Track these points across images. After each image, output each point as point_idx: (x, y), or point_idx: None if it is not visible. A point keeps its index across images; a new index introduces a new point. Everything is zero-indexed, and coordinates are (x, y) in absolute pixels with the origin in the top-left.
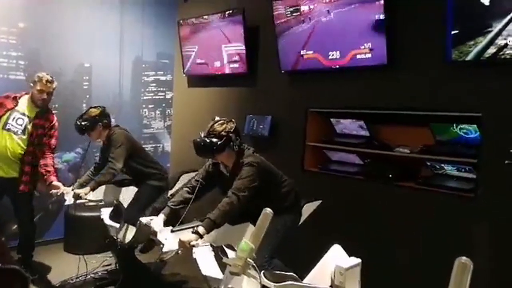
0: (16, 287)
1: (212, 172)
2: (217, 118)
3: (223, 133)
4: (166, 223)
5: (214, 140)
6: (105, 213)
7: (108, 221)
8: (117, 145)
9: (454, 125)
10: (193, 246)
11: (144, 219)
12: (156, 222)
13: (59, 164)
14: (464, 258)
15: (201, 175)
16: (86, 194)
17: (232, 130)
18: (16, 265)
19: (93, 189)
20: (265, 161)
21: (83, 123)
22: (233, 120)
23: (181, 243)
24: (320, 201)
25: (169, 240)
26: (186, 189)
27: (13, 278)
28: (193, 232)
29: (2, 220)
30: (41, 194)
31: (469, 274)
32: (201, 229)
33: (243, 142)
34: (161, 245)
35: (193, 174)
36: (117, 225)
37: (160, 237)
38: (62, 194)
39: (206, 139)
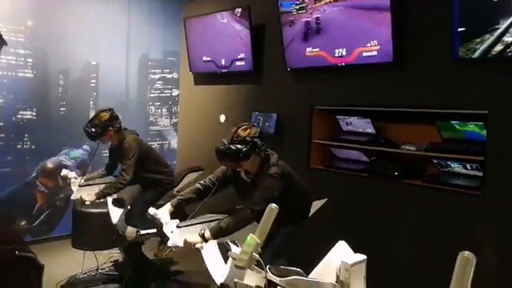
0: (31, 274)
1: (230, 176)
2: (232, 123)
3: (247, 138)
4: (173, 215)
5: (239, 146)
6: (109, 201)
7: (113, 217)
8: (129, 156)
9: (460, 125)
10: (198, 249)
11: (151, 210)
12: (163, 211)
13: (67, 161)
14: (467, 252)
15: (217, 176)
16: (91, 202)
17: (257, 135)
18: (31, 253)
19: (98, 199)
20: (287, 169)
21: (93, 129)
22: (255, 124)
23: (187, 243)
24: (325, 199)
25: (175, 234)
26: (199, 186)
27: (28, 266)
28: (199, 235)
29: (13, 215)
30: (49, 191)
31: (472, 268)
32: (207, 234)
33: (267, 148)
34: (166, 238)
35: (199, 173)
36: (119, 212)
37: (165, 229)
38: (70, 180)
39: (231, 146)
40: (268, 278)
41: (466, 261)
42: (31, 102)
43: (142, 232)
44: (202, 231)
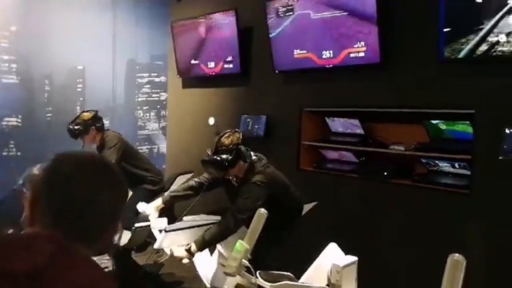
0: None
1: (221, 177)
2: (222, 126)
3: (231, 146)
4: (162, 213)
5: (224, 156)
6: None
7: None
8: (110, 146)
9: (447, 125)
10: (184, 263)
11: (140, 206)
12: (152, 208)
13: None
14: (457, 255)
15: (210, 175)
16: None
17: (240, 142)
18: None
19: None
20: (275, 176)
21: (76, 127)
22: (237, 130)
23: (174, 256)
24: (315, 203)
25: (162, 238)
26: (193, 183)
27: None
28: (185, 250)
29: None
30: None
31: (462, 270)
32: (193, 248)
33: (255, 153)
34: (153, 243)
35: (189, 175)
36: None
37: (152, 226)
38: None
39: (215, 156)
40: (258, 283)
41: (456, 264)
42: (16, 108)
43: (137, 225)
44: (188, 246)
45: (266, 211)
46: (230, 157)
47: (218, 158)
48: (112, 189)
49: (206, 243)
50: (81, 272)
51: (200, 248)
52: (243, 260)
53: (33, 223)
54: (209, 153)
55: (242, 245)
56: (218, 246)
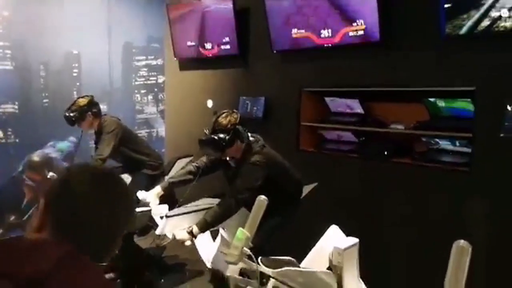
0: None
1: (219, 159)
2: (215, 112)
3: (229, 126)
4: (162, 200)
5: (222, 135)
6: None
7: None
8: (108, 131)
9: (446, 102)
10: (186, 245)
11: (139, 194)
12: (151, 195)
13: (54, 153)
14: (462, 241)
15: (209, 158)
16: None
17: (237, 122)
18: None
19: None
20: (273, 156)
21: (71, 114)
22: (235, 110)
23: (176, 239)
24: (315, 184)
25: (163, 223)
26: (191, 168)
27: None
28: (187, 232)
29: (1, 211)
30: (36, 184)
31: (467, 257)
32: (195, 230)
33: (252, 134)
34: (155, 227)
35: (188, 159)
36: None
37: (153, 213)
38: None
39: (213, 136)
40: (260, 270)
41: (461, 250)
42: (12, 95)
43: (138, 210)
44: (190, 228)
45: (266, 198)
46: (227, 137)
47: (216, 138)
48: (122, 210)
49: (208, 225)
50: (86, 278)
51: (202, 230)
52: (245, 248)
53: (42, 229)
54: (207, 133)
55: (243, 233)
56: (221, 231)
